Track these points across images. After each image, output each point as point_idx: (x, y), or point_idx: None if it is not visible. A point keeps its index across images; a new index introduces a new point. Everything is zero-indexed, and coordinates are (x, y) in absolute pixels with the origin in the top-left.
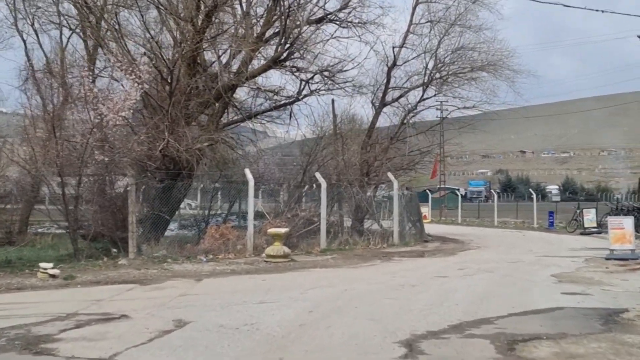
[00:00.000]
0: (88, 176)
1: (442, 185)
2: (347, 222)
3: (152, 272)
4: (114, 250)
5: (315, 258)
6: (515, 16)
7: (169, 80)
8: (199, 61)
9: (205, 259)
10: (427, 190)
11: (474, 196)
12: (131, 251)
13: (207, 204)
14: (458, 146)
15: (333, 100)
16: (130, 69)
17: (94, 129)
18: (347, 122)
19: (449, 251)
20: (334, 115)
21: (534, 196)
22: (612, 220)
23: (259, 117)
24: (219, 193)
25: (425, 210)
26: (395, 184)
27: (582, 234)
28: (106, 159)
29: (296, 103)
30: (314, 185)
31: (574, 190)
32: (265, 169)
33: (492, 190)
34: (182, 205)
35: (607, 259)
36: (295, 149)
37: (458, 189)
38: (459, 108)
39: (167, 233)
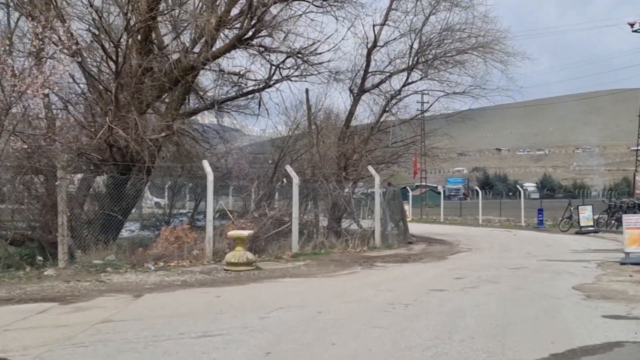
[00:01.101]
0: (6, 167)
1: (422, 183)
2: (324, 222)
3: (83, 285)
4: (40, 258)
5: (285, 265)
6: (490, 13)
7: (114, 58)
8: (153, 39)
9: (153, 267)
10: (407, 188)
11: (452, 194)
12: (61, 259)
13: (169, 202)
14: (447, 137)
15: (307, 90)
16: (60, 37)
17: (11, 109)
18: (324, 114)
19: (438, 255)
20: (309, 106)
21: (521, 193)
22: (627, 219)
23: (225, 106)
24: (186, 190)
25: (406, 208)
26: (377, 179)
27: (577, 233)
28: (25, 146)
29: (266, 90)
30: (284, 180)
31: (552, 188)
32: (234, 165)
33: (475, 188)
34: (150, 204)
35: (622, 263)
36: (270, 147)
37: (437, 187)
38: (447, 94)
39: (126, 234)
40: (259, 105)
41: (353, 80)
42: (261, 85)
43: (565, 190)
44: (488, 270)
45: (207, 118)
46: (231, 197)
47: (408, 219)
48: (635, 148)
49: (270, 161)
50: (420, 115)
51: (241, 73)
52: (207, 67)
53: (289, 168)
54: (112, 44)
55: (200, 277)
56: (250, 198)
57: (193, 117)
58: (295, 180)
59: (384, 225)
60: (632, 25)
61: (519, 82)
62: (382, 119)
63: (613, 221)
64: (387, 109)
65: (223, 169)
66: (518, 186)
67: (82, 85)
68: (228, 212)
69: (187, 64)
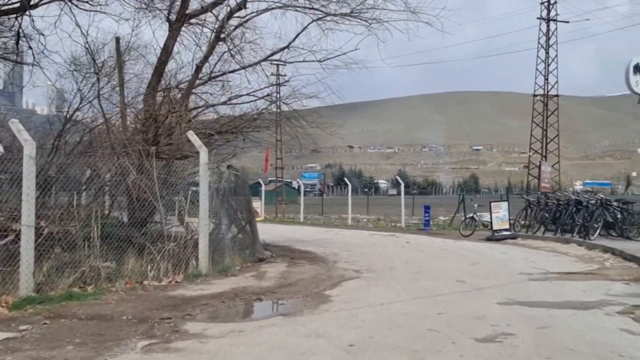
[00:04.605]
0: None
1: (275, 178)
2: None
3: None
4: None
5: None
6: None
7: None
8: None
9: None
10: (260, 181)
11: (308, 189)
12: None
13: None
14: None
15: (118, 39)
16: None
17: None
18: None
19: (310, 290)
20: (119, 59)
21: (402, 188)
22: None
23: None
24: None
25: (257, 206)
26: (203, 155)
27: (489, 239)
28: None
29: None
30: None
31: (407, 184)
32: None
33: (347, 182)
34: None
35: None
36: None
37: (292, 182)
38: (315, 20)
39: None
40: (17, 40)
41: (172, 4)
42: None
43: (419, 186)
44: (433, 347)
45: None
46: None
47: (260, 219)
48: (477, 147)
49: None
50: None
51: None
52: None
53: (14, 124)
54: None
55: None
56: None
57: None
58: (28, 149)
59: (217, 233)
60: None
61: (370, 83)
62: (216, 61)
63: (536, 223)
64: (221, 36)
65: None
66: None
67: None
68: None
69: None
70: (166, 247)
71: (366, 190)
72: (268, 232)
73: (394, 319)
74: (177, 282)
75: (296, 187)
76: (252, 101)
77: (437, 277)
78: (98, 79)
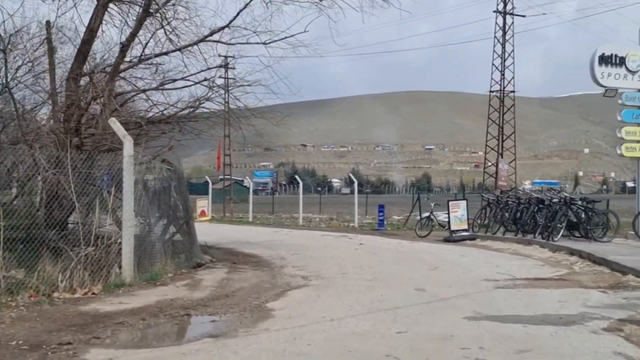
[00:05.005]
0: None
1: (223, 177)
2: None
3: None
4: None
5: None
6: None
7: None
8: None
9: None
10: (207, 179)
11: (260, 188)
12: None
13: None
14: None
15: (48, 22)
16: None
17: None
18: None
19: (249, 302)
20: (50, 45)
21: (355, 186)
22: None
23: None
24: None
25: (205, 205)
26: (128, 145)
27: (447, 240)
28: None
29: None
30: None
31: (360, 183)
32: None
33: (299, 180)
34: None
35: None
36: None
37: (243, 180)
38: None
39: None
40: None
41: None
42: None
43: (372, 185)
44: None
45: None
46: None
47: (206, 218)
48: (429, 147)
49: None
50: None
51: None
52: None
53: None
54: None
55: None
56: None
57: None
58: None
59: (146, 236)
60: None
61: (322, 82)
62: (147, 41)
63: (495, 223)
64: (150, 10)
65: None
66: (350, 176)
67: None
68: None
69: None
70: (82, 252)
71: (319, 189)
72: (213, 232)
73: (346, 341)
74: (94, 293)
75: (248, 186)
76: (187, 86)
77: (395, 285)
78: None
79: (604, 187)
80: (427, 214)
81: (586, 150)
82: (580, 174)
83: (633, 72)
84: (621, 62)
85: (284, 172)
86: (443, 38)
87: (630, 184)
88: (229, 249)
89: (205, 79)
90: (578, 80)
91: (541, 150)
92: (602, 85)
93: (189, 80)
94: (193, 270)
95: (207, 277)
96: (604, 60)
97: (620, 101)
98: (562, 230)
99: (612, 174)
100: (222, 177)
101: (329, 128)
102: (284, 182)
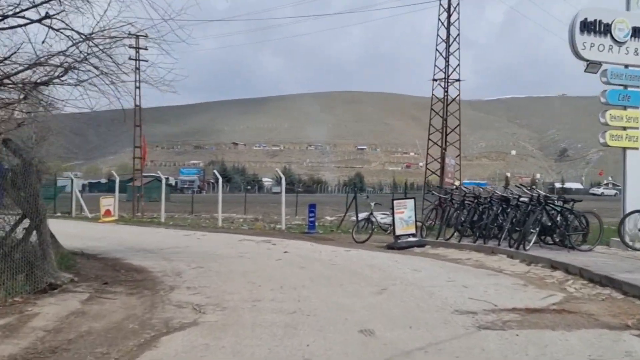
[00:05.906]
0: None
1: (141, 173)
2: None
3: None
4: None
5: None
6: (226, 13)
7: None
8: None
9: None
10: (113, 172)
11: (186, 186)
12: None
13: None
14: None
15: None
16: None
17: None
18: None
19: None
20: None
21: (282, 182)
22: None
23: None
24: None
25: (110, 203)
26: None
27: (390, 247)
28: None
29: None
30: None
31: (292, 182)
32: None
33: (211, 181)
34: None
35: None
36: None
37: (159, 175)
38: None
39: None
40: None
41: None
42: None
43: (304, 184)
44: None
45: None
46: None
47: (111, 218)
48: (362, 147)
49: None
50: None
51: None
52: None
53: None
54: None
55: None
56: None
57: None
58: None
59: None
60: None
61: (254, 80)
62: None
63: (448, 227)
64: None
65: None
66: (277, 171)
67: None
68: None
69: None
70: None
71: (249, 187)
72: (107, 236)
73: None
74: None
75: (172, 184)
76: (20, 25)
77: (328, 323)
78: None
79: (533, 187)
80: (365, 215)
81: (513, 152)
82: (508, 174)
83: (620, 43)
84: (606, 30)
85: (212, 170)
86: (377, 38)
87: (558, 185)
88: (114, 259)
89: (48, 16)
90: (507, 84)
91: (470, 151)
92: (583, 59)
93: (24, 17)
94: (35, 296)
95: (47, 311)
96: (587, 27)
97: (604, 79)
98: (534, 237)
99: (538, 175)
100: (149, 174)
101: (261, 126)
102: (212, 181)
